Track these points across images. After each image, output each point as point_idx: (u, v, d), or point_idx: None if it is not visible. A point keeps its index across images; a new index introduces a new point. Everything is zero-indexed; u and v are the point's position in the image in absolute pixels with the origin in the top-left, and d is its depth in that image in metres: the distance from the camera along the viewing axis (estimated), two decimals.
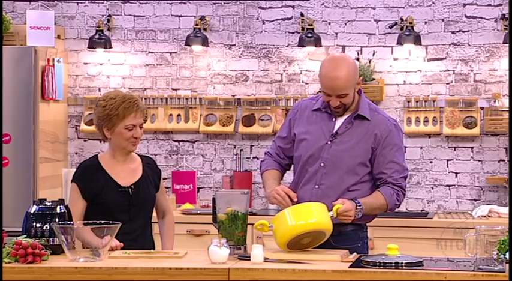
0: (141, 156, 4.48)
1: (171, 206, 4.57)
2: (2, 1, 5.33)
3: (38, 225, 3.95)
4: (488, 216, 6.06)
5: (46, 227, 3.94)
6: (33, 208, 4.00)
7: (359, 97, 4.25)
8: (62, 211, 4.01)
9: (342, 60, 4.23)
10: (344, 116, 4.24)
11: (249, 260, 3.71)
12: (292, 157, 4.37)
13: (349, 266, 3.62)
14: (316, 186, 4.21)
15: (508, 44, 6.22)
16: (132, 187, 4.32)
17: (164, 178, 4.55)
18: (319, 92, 4.39)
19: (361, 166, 4.21)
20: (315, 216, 3.89)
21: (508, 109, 6.30)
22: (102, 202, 4.27)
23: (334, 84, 4.12)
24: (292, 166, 4.44)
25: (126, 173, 4.35)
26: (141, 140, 4.41)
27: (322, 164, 4.21)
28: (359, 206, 4.09)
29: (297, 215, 3.89)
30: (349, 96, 4.15)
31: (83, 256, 3.78)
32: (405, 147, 6.56)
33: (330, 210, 4.00)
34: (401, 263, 3.61)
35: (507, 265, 3.50)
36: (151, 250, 4.14)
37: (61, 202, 4.05)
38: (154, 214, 4.50)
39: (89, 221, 4.00)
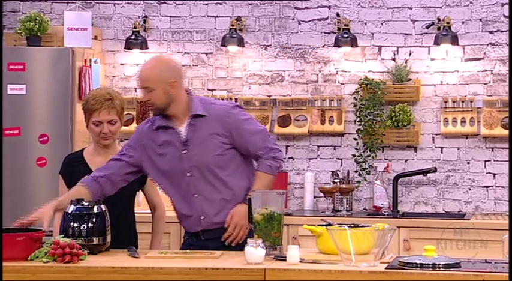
0: None
1: (162, 201, 4.61)
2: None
3: (75, 225, 3.98)
4: None
5: (83, 227, 3.97)
6: (71, 208, 4.03)
7: (188, 98, 4.28)
8: (99, 211, 4.04)
9: (155, 58, 4.40)
10: (185, 123, 4.26)
11: (285, 260, 3.71)
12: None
13: (386, 267, 3.61)
14: (196, 194, 4.25)
15: None
16: None
17: None
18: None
19: (223, 156, 4.24)
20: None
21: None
22: None
23: (139, 75, 4.24)
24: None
25: None
26: None
27: (189, 174, 4.24)
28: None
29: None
30: (155, 93, 4.18)
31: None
32: (442, 148, 6.54)
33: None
34: (439, 264, 3.58)
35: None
36: (188, 251, 4.15)
37: (98, 202, 4.08)
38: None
39: None
